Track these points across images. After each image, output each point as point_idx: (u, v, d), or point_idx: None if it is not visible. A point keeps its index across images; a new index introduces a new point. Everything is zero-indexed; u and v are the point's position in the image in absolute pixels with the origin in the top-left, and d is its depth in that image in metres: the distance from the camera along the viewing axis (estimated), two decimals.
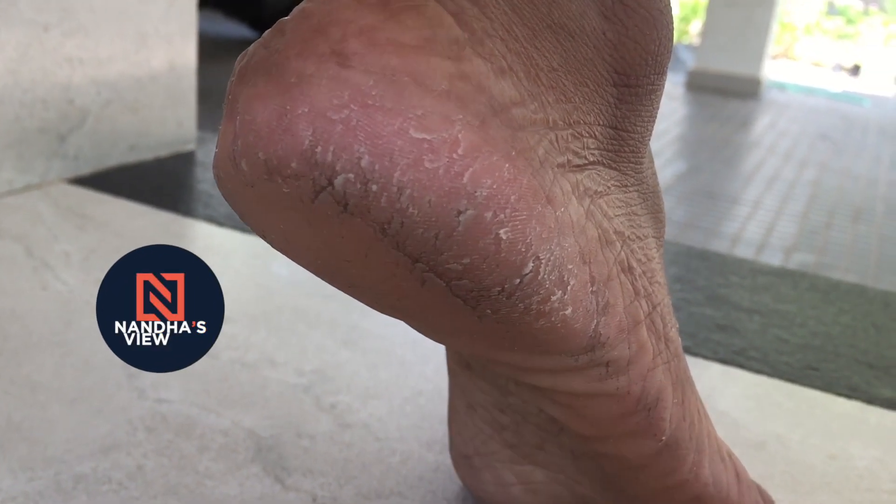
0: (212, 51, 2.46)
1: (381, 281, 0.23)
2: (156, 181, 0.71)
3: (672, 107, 3.23)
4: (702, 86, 3.52)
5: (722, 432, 0.44)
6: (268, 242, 0.24)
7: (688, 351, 0.52)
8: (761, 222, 2.09)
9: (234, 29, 2.76)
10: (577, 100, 0.24)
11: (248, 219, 0.24)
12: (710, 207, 2.17)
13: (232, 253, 0.61)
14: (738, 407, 0.47)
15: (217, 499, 0.36)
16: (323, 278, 0.25)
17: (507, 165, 0.22)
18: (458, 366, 0.33)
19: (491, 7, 0.22)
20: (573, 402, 0.28)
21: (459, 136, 0.21)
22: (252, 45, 0.23)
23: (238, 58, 0.23)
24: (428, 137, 0.21)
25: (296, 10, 0.22)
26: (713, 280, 0.64)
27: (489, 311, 0.23)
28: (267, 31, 0.22)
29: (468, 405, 0.33)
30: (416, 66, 0.21)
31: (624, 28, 0.25)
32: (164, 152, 0.78)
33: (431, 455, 0.40)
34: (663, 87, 0.27)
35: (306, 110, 0.20)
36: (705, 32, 3.67)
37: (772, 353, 0.54)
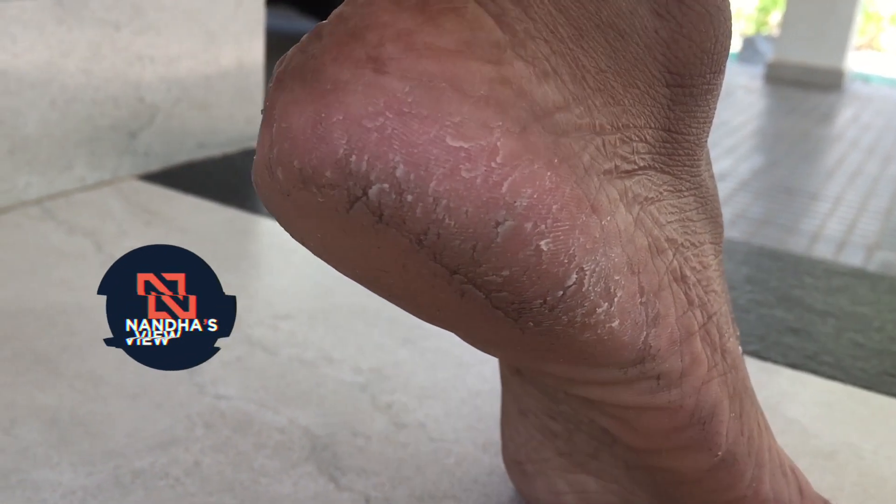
0: (283, 47, 2.49)
1: (420, 292, 0.23)
2: (223, 178, 0.72)
3: (750, 100, 3.15)
4: (781, 78, 3.43)
5: (790, 441, 0.43)
6: (308, 249, 0.24)
7: (757, 355, 0.51)
8: (842, 219, 2.03)
9: (304, 25, 2.79)
10: (626, 102, 0.23)
11: (287, 226, 0.23)
12: (789, 204, 2.11)
13: (294, 250, 0.61)
14: (809, 414, 0.46)
15: (271, 497, 0.36)
16: (364, 286, 0.24)
17: (548, 174, 0.21)
18: (509, 370, 0.32)
19: (535, 7, 0.21)
20: (624, 415, 0.27)
21: (498, 143, 0.20)
22: (291, 49, 0.22)
23: (277, 62, 0.22)
24: (465, 146, 0.20)
25: (334, 13, 0.22)
26: (786, 281, 0.62)
27: (531, 323, 0.22)
28: (305, 35, 0.22)
29: (520, 411, 0.33)
30: (453, 71, 0.20)
31: (678, 25, 0.24)
32: (231, 149, 0.79)
33: (487, 457, 0.39)
34: (720, 86, 0.26)
35: (341, 118, 0.20)
36: (785, 23, 3.58)
37: (846, 358, 0.52)
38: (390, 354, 0.47)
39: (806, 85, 3.37)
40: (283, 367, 0.45)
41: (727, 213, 1.99)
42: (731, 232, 1.87)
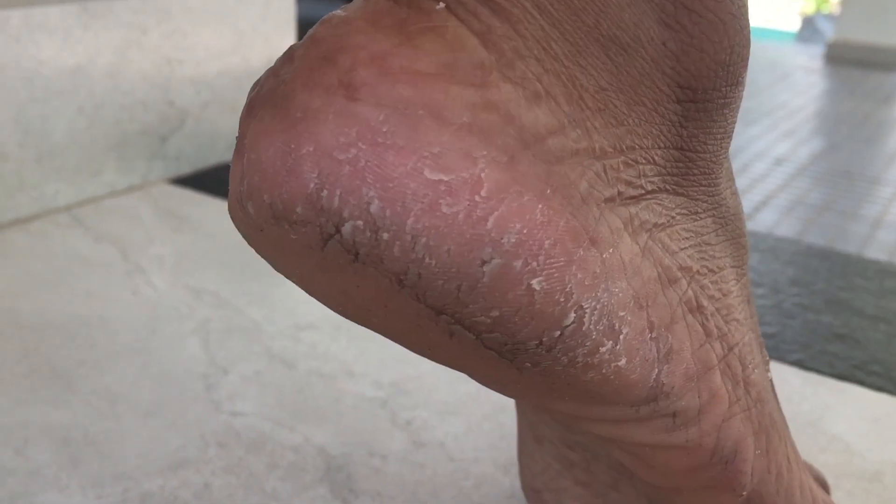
0: None
1: (407, 331, 0.21)
2: None
3: (809, 81, 3.06)
4: (842, 58, 3.33)
5: (832, 460, 0.40)
6: (294, 283, 0.23)
7: (800, 364, 0.48)
8: None
9: None
10: (630, 122, 0.21)
11: (268, 261, 0.22)
12: (849, 189, 2.05)
13: None
14: (853, 431, 0.43)
15: None
16: (354, 322, 0.23)
17: (539, 206, 0.19)
18: None
19: (524, 23, 0.20)
20: (639, 452, 0.25)
21: (483, 175, 0.18)
22: (264, 73, 0.21)
23: (252, 85, 0.21)
24: (445, 178, 0.18)
25: (308, 34, 0.20)
26: (834, 283, 0.59)
27: (528, 364, 0.21)
28: (279, 59, 0.21)
29: (535, 438, 0.31)
30: (432, 96, 0.18)
31: (688, 36, 0.22)
32: None
33: (507, 479, 0.38)
34: (740, 98, 0.24)
35: (311, 149, 0.18)
36: (846, 1, 3.47)
37: None
38: (413, 367, 0.46)
39: (867, 65, 3.26)
40: (301, 382, 0.44)
41: (785, 199, 1.93)
42: (788, 219, 1.82)
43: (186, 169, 0.70)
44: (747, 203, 1.89)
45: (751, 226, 1.67)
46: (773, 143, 2.28)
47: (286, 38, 0.73)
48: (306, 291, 0.22)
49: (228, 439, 0.39)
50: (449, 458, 0.39)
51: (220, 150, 0.72)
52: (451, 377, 0.45)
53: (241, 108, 0.72)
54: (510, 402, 0.43)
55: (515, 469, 0.38)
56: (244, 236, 0.22)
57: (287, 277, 0.22)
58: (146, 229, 0.60)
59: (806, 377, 0.47)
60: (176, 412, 0.41)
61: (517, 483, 0.37)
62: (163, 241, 0.58)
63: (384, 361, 0.46)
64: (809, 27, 4.61)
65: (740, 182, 1.93)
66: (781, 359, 0.49)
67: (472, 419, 0.42)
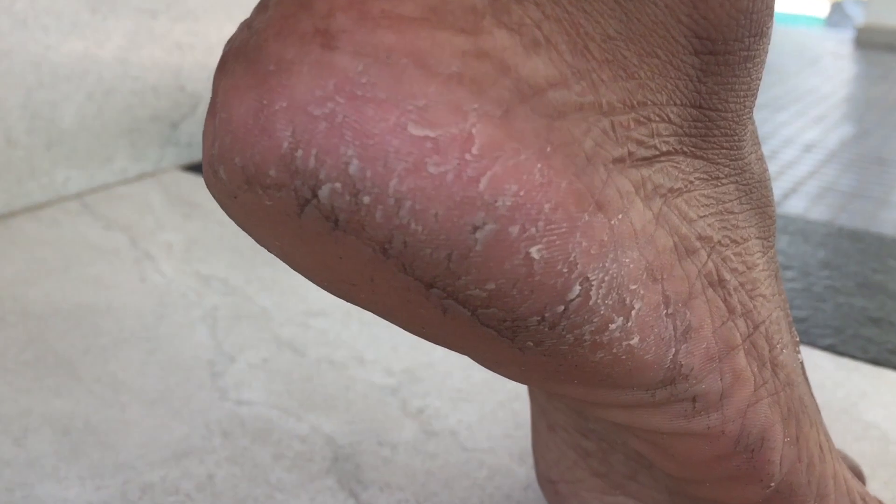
0: None
1: (397, 308, 0.19)
2: None
3: (839, 65, 3.01)
4: (872, 42, 3.27)
5: (868, 448, 0.38)
6: (275, 255, 0.21)
7: (833, 350, 0.46)
8: None
9: None
10: (641, 75, 0.19)
11: (246, 231, 0.20)
12: (881, 174, 2.00)
13: None
14: (890, 417, 0.41)
15: None
16: (340, 298, 0.21)
17: (538, 165, 0.17)
18: None
19: None
20: (657, 440, 0.23)
21: (473, 130, 0.17)
22: (240, 24, 0.19)
23: (228, 40, 0.19)
24: (432, 134, 0.16)
25: None
26: (867, 265, 0.57)
27: (530, 343, 0.19)
28: (255, 7, 0.19)
29: (549, 426, 0.29)
30: (417, 43, 0.17)
31: None
32: None
33: (522, 470, 0.36)
34: (765, 52, 0.22)
35: (284, 105, 0.17)
36: None
37: None
38: (425, 354, 0.44)
39: None
40: (310, 369, 0.42)
41: (815, 185, 1.90)
42: (818, 206, 1.79)
43: (198, 155, 0.68)
44: (777, 189, 1.85)
45: (780, 210, 1.64)
46: (802, 129, 2.24)
47: None
48: (288, 265, 0.21)
49: (234, 428, 0.38)
50: (461, 447, 0.37)
51: None
52: (466, 363, 0.43)
53: None
54: (525, 391, 0.41)
55: (531, 459, 0.36)
56: (220, 205, 0.20)
57: (267, 250, 0.21)
58: (156, 216, 0.59)
59: (839, 362, 0.45)
60: (181, 400, 0.40)
61: (532, 474, 0.36)
62: (173, 227, 0.57)
63: (396, 348, 0.44)
64: (839, 12, 4.53)
65: (769, 168, 1.90)
66: (813, 344, 0.47)
67: (485, 407, 0.40)
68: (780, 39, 3.30)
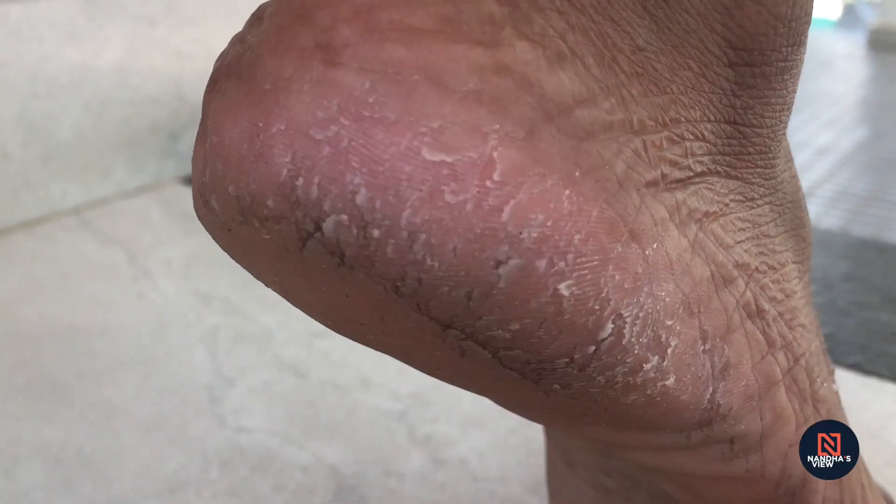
0: None
1: (410, 349, 0.17)
2: None
3: (852, 68, 2.98)
4: (885, 44, 3.24)
5: None
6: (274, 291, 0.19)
7: (858, 368, 0.44)
8: None
9: None
10: (674, 89, 0.18)
11: (242, 265, 0.18)
12: None
13: None
14: None
15: None
16: (346, 337, 0.19)
17: (567, 192, 0.15)
18: None
19: None
20: (690, 483, 0.21)
21: (495, 154, 0.15)
22: (231, 38, 0.17)
23: (219, 55, 0.17)
24: (448, 159, 0.15)
25: None
26: (891, 276, 0.55)
27: (557, 386, 0.17)
28: (248, 19, 0.17)
29: (567, 462, 0.28)
30: (430, 58, 0.15)
31: None
32: None
33: (535, 501, 0.34)
34: (801, 63, 0.20)
35: (283, 128, 0.15)
36: None
37: None
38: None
39: None
40: (313, 393, 0.40)
41: (828, 190, 1.87)
42: (833, 211, 1.76)
43: None
44: None
45: None
46: (815, 132, 2.21)
47: None
48: (288, 301, 0.19)
49: (233, 457, 0.36)
50: (472, 477, 0.35)
51: None
52: None
53: None
54: None
55: (544, 489, 0.35)
56: (212, 237, 0.18)
57: (265, 284, 0.19)
58: (155, 231, 0.57)
59: (865, 382, 0.43)
60: (178, 428, 0.38)
61: None
62: (173, 243, 0.56)
63: (403, 370, 0.43)
64: (851, 14, 4.50)
65: None
66: (838, 362, 0.45)
67: (497, 433, 0.38)
68: None
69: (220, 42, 0.64)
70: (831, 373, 0.24)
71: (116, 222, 0.58)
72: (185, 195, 0.63)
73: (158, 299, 0.49)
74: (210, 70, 0.58)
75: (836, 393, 0.24)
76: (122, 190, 0.62)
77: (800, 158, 2.06)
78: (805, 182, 1.94)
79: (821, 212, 1.75)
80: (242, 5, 0.66)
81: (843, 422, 0.23)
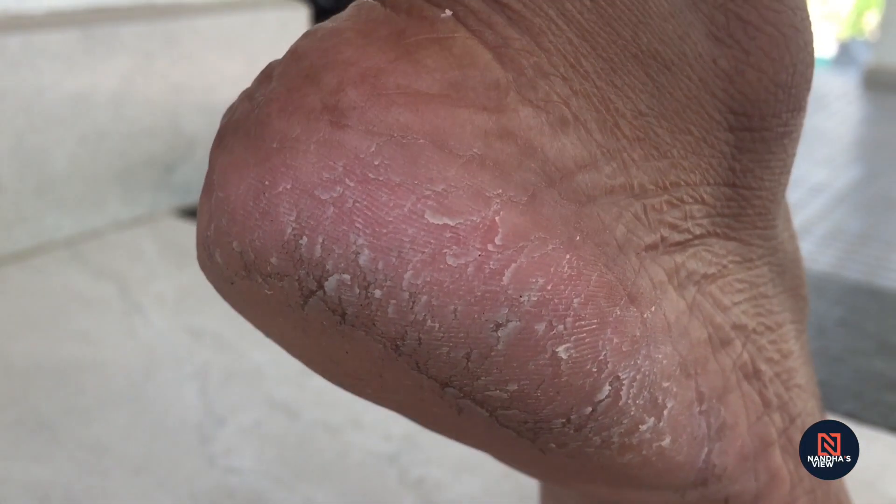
0: None
1: (407, 405, 0.18)
2: None
3: (846, 107, 3.01)
4: (880, 83, 3.27)
5: None
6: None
7: (852, 416, 0.44)
8: None
9: None
10: (674, 154, 0.18)
11: (244, 316, 0.19)
12: (891, 216, 1.99)
13: None
14: None
15: None
16: (345, 390, 0.19)
17: (567, 256, 0.16)
18: None
19: (548, 35, 0.16)
20: None
21: (497, 218, 0.15)
22: (239, 94, 0.18)
23: (227, 110, 0.18)
24: (451, 223, 0.15)
25: (289, 48, 0.17)
26: (886, 323, 0.55)
27: (553, 444, 0.17)
28: (256, 77, 0.17)
29: None
30: (435, 122, 0.15)
31: (743, 53, 0.18)
32: None
33: None
34: (801, 127, 0.20)
35: (289, 187, 0.15)
36: (883, 25, 3.41)
37: None
38: None
39: None
40: (305, 434, 0.40)
41: (824, 228, 1.88)
42: (828, 250, 1.77)
43: (195, 200, 0.67)
44: None
45: None
46: (809, 170, 2.23)
47: None
48: (288, 353, 0.19)
49: (221, 500, 0.36)
50: None
51: None
52: None
53: None
54: None
55: None
56: (215, 289, 0.18)
57: (266, 335, 0.19)
58: (148, 264, 0.57)
59: (859, 431, 0.43)
60: (167, 468, 0.37)
61: None
62: (165, 277, 0.55)
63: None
64: (846, 53, 4.55)
65: None
66: (832, 409, 0.44)
67: (489, 477, 0.38)
68: None
69: (217, 76, 0.64)
70: None
71: (109, 255, 0.58)
72: (180, 228, 0.63)
73: (150, 335, 0.48)
74: (207, 103, 0.58)
75: None
76: (115, 222, 0.61)
77: (794, 196, 2.07)
78: (799, 220, 1.95)
79: (815, 251, 1.76)
80: (239, 41, 0.66)
81: (839, 483, 0.23)
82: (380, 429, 0.41)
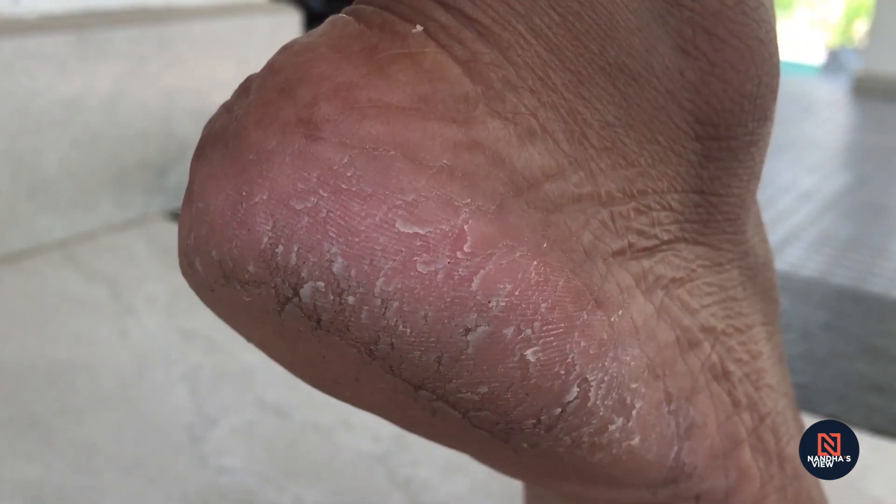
0: None
1: (384, 407, 0.18)
2: None
3: (835, 114, 3.02)
4: (869, 90, 3.29)
5: None
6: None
7: (834, 417, 0.45)
8: None
9: None
10: (642, 162, 0.18)
11: (224, 321, 0.19)
12: (879, 223, 2.00)
13: None
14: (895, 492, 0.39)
15: None
16: (324, 393, 0.20)
17: (534, 263, 0.16)
18: None
19: (516, 49, 0.17)
20: None
21: (466, 227, 0.16)
22: (219, 107, 0.18)
23: (207, 122, 0.18)
24: (421, 231, 0.16)
25: (266, 63, 0.17)
26: (870, 327, 0.55)
27: (525, 444, 0.18)
28: (235, 90, 0.18)
29: None
30: (406, 134, 0.16)
31: (709, 65, 0.19)
32: None
33: None
34: (769, 134, 0.21)
35: (265, 197, 0.16)
36: (872, 33, 3.43)
37: None
38: None
39: (895, 98, 3.23)
40: (295, 434, 0.41)
41: (812, 234, 1.89)
42: (817, 255, 1.78)
43: None
44: (773, 238, 1.85)
45: (778, 264, 1.63)
46: (798, 176, 2.24)
47: None
48: (268, 356, 0.20)
49: (212, 498, 0.36)
50: None
51: None
52: None
53: None
54: None
55: None
56: (196, 295, 0.19)
57: (247, 340, 0.20)
58: (139, 267, 0.58)
59: None
60: (158, 467, 0.38)
61: None
62: (157, 279, 0.56)
63: None
64: (835, 60, 4.57)
65: (765, 216, 1.90)
66: (815, 411, 0.45)
67: (477, 477, 0.38)
68: None
69: (209, 80, 0.65)
70: (801, 430, 0.24)
71: (101, 257, 0.58)
72: (171, 231, 0.63)
73: (141, 336, 0.49)
74: (199, 108, 0.59)
75: None
76: (107, 224, 0.62)
77: (784, 202, 2.08)
78: (788, 226, 1.96)
79: (804, 256, 1.77)
80: (233, 45, 0.66)
81: (810, 478, 0.24)
82: (369, 430, 0.41)
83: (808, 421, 0.44)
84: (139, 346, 0.48)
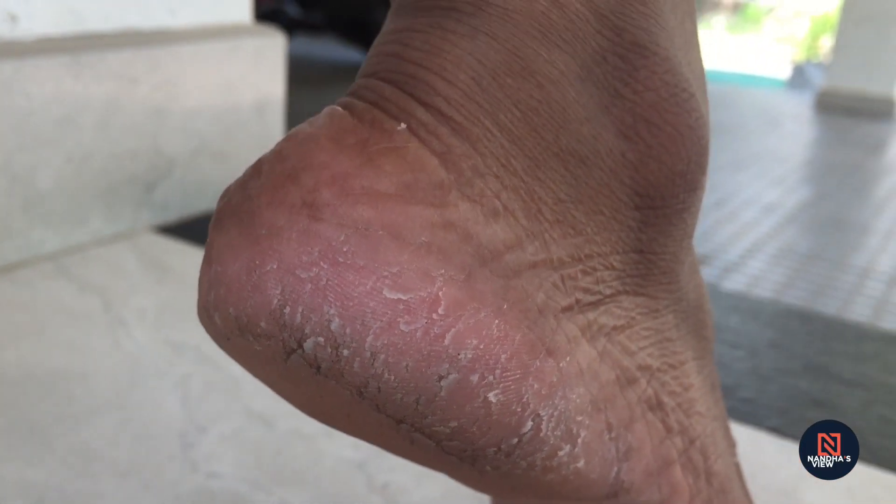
0: (331, 78, 2.51)
1: (371, 436, 0.22)
2: None
3: (799, 128, 3.09)
4: (832, 106, 3.37)
5: None
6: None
7: (777, 431, 0.48)
8: (894, 254, 1.97)
9: (352, 55, 2.81)
10: (588, 231, 0.22)
11: (239, 363, 0.23)
12: (838, 237, 2.06)
13: None
14: (829, 501, 0.43)
15: None
16: (321, 423, 0.24)
17: (496, 321, 0.20)
18: None
19: (484, 141, 0.20)
20: None
21: (440, 293, 0.19)
22: (234, 182, 0.21)
23: (222, 193, 0.21)
24: (404, 297, 0.19)
25: (273, 149, 0.21)
26: (813, 346, 0.59)
27: (489, 467, 0.21)
28: (247, 169, 0.21)
29: None
30: (392, 217, 0.19)
31: (647, 147, 0.22)
32: None
33: None
34: (699, 200, 0.25)
35: (275, 266, 0.19)
36: (836, 49, 3.51)
37: (872, 436, 0.49)
38: None
39: (857, 113, 3.30)
40: (280, 442, 0.44)
41: (774, 247, 1.94)
42: (777, 267, 1.83)
43: (173, 217, 0.70)
44: (736, 250, 1.90)
45: (737, 277, 1.67)
46: (761, 190, 2.29)
47: (276, 87, 0.74)
48: (275, 393, 0.23)
49: (203, 502, 0.39)
50: None
51: (208, 199, 0.72)
52: None
53: (230, 156, 0.73)
54: None
55: None
56: (215, 342, 0.22)
57: (256, 379, 0.23)
58: (129, 280, 0.60)
59: (782, 445, 0.47)
60: (152, 472, 0.41)
61: None
62: (146, 292, 0.59)
63: None
64: (800, 75, 4.66)
65: (729, 229, 1.94)
66: (758, 424, 0.49)
67: (449, 483, 0.42)
68: (741, 100, 3.39)
69: (197, 99, 0.68)
70: (732, 446, 0.28)
71: (92, 269, 0.61)
72: (158, 243, 0.66)
73: (133, 347, 0.52)
74: (186, 126, 0.63)
75: (737, 465, 0.28)
76: (97, 237, 0.64)
77: (747, 215, 2.14)
78: (751, 239, 2.01)
79: (765, 269, 1.82)
80: (219, 66, 0.69)
81: (743, 492, 0.27)
82: (350, 438, 0.44)
83: (752, 434, 0.47)
84: (131, 357, 0.50)
